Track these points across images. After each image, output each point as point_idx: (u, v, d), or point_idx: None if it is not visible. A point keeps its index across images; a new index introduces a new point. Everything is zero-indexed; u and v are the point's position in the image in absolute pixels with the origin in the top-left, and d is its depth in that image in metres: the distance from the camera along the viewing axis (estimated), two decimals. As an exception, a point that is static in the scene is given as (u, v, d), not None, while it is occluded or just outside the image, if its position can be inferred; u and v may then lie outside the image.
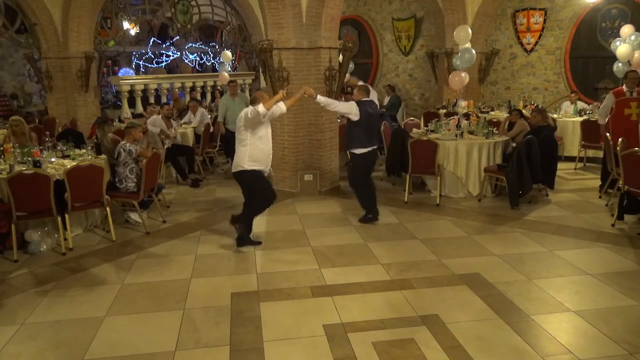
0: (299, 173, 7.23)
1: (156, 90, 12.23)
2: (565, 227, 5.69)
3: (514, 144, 6.98)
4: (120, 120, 9.81)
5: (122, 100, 11.59)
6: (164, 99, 12.21)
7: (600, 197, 6.85)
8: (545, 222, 5.87)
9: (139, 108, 11.64)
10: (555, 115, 9.37)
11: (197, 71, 17.73)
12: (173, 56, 17.36)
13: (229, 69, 13.66)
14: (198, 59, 17.61)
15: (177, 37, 15.66)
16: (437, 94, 12.56)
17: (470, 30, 9.81)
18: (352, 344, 3.42)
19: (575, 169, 8.62)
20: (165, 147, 7.31)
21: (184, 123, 8.90)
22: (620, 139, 5.85)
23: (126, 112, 11.19)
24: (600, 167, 7.23)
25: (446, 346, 3.37)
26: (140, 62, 17.07)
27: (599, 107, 7.60)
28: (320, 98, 5.48)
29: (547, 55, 11.50)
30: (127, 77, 12.58)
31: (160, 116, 8.02)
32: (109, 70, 16.38)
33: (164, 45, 16.72)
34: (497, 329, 3.58)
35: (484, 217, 6.15)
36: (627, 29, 9.01)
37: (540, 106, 8.53)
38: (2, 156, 5.83)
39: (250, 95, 14.50)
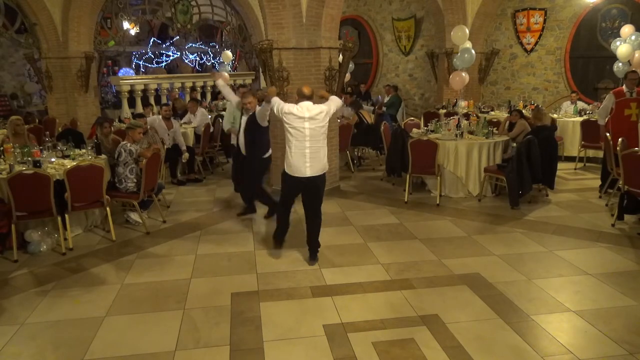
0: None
1: (156, 90, 12.23)
2: (565, 227, 5.69)
3: (514, 144, 6.99)
4: (120, 120, 9.82)
5: (122, 100, 11.59)
6: (164, 99, 12.21)
7: (600, 197, 6.85)
8: (545, 222, 5.87)
9: (139, 108, 11.64)
10: (555, 115, 9.37)
11: (197, 71, 17.72)
12: (173, 56, 17.35)
13: (229, 69, 13.65)
14: (198, 59, 17.60)
15: (177, 37, 15.65)
16: (437, 94, 12.56)
17: (467, 30, 9.81)
18: (352, 344, 3.42)
19: (575, 169, 8.63)
20: (165, 147, 7.31)
21: (184, 123, 8.90)
22: (620, 139, 5.86)
23: (126, 112, 11.18)
24: (600, 167, 7.24)
25: (446, 346, 3.37)
26: (140, 62, 17.06)
27: (599, 107, 7.60)
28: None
29: (547, 55, 11.50)
30: (127, 77, 12.57)
31: (160, 116, 8.03)
32: (109, 70, 16.38)
33: (164, 45, 16.71)
34: (497, 329, 3.58)
35: (484, 217, 6.16)
36: (627, 29, 9.01)
37: (539, 106, 8.54)
38: (2, 156, 5.83)
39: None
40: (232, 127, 6.81)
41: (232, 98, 6.60)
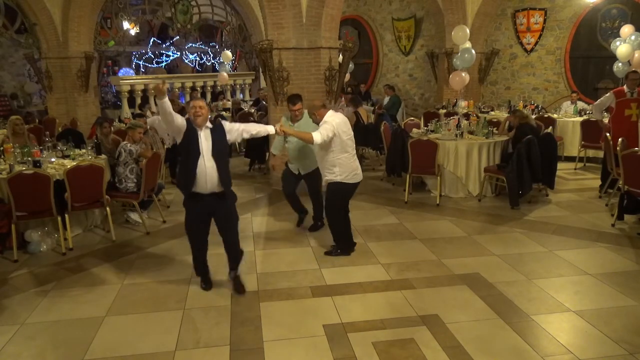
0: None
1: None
2: (565, 227, 5.68)
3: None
4: (120, 120, 9.81)
5: (122, 100, 11.59)
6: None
7: (600, 197, 6.85)
8: (545, 222, 5.87)
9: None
10: (555, 115, 9.37)
11: (197, 71, 17.73)
12: (173, 56, 17.35)
13: (229, 69, 13.67)
14: (198, 59, 17.60)
15: (177, 37, 15.65)
16: (437, 94, 12.55)
17: (468, 30, 9.80)
18: (352, 344, 3.42)
19: (575, 169, 8.62)
20: (165, 147, 7.32)
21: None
22: (620, 139, 5.86)
23: (126, 112, 11.18)
24: (600, 167, 7.24)
25: (446, 346, 3.37)
26: (140, 62, 17.06)
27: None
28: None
29: (547, 55, 11.50)
30: (127, 77, 12.58)
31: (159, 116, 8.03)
32: (109, 70, 16.38)
33: (164, 45, 16.71)
34: (497, 329, 3.58)
35: (484, 217, 6.15)
36: (627, 29, 9.00)
37: (516, 107, 8.59)
38: (2, 156, 5.83)
39: (251, 95, 14.50)
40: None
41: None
